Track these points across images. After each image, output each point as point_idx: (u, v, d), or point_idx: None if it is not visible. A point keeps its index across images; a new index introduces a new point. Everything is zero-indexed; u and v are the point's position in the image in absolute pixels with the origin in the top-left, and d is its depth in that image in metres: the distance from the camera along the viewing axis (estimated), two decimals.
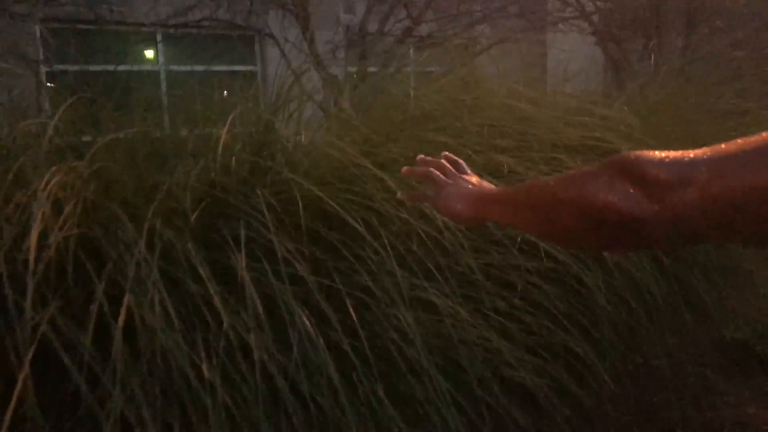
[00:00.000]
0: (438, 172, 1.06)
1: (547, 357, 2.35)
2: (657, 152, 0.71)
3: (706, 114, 3.58)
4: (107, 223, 1.55)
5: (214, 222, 1.73)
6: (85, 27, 7.20)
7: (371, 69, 5.37)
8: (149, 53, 8.28)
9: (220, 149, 1.74)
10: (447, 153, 1.10)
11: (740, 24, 10.18)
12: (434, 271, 1.84)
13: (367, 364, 1.70)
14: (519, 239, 2.30)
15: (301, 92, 2.44)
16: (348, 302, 1.65)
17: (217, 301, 1.41)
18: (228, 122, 1.84)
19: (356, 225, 1.70)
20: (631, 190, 0.70)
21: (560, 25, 8.05)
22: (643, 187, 0.69)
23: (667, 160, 0.72)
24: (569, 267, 2.40)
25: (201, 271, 1.45)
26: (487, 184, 1.05)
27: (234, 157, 1.82)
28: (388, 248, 1.76)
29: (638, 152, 0.71)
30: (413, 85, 3.62)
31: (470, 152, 2.10)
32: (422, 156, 1.11)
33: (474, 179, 1.07)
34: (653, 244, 0.71)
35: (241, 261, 1.55)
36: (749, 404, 3.27)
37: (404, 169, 1.10)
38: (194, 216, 1.62)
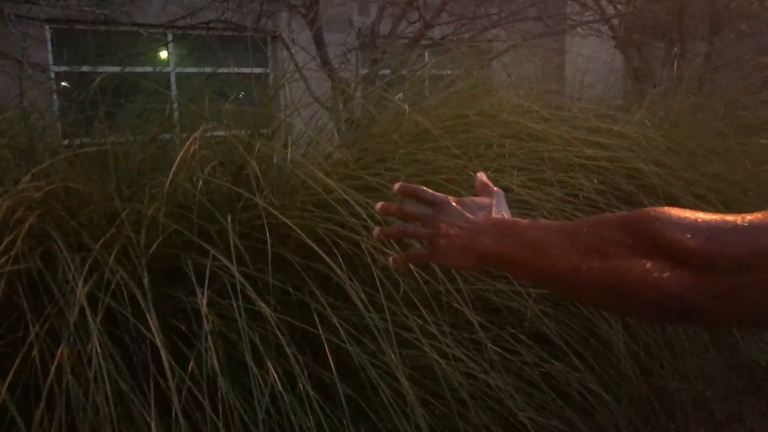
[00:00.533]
0: (413, 228, 0.87)
1: (545, 390, 2.14)
2: (693, 216, 0.58)
3: (735, 126, 3.34)
4: (52, 257, 1.38)
5: (177, 254, 1.55)
6: (93, 28, 7.14)
7: (383, 72, 5.20)
8: (162, 55, 8.19)
9: (171, 175, 1.55)
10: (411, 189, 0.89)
11: (767, 29, 9.87)
12: (419, 304, 1.65)
13: (348, 405, 1.52)
14: None
15: (292, 101, 2.25)
16: (325, 345, 1.47)
17: (163, 354, 1.23)
18: (189, 142, 1.65)
19: (329, 260, 1.51)
20: (679, 271, 0.58)
21: (579, 29, 7.82)
22: (694, 268, 0.57)
23: (712, 225, 0.57)
24: None
25: (149, 317, 1.27)
26: (485, 223, 0.83)
27: (201, 181, 1.64)
28: (377, 282, 1.57)
29: (670, 217, 0.59)
30: (427, 88, 3.43)
31: (471, 173, 1.90)
32: (382, 204, 0.89)
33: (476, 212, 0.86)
34: (701, 325, 0.59)
35: (203, 300, 1.37)
36: None
37: (375, 231, 0.91)
38: (154, 248, 1.44)
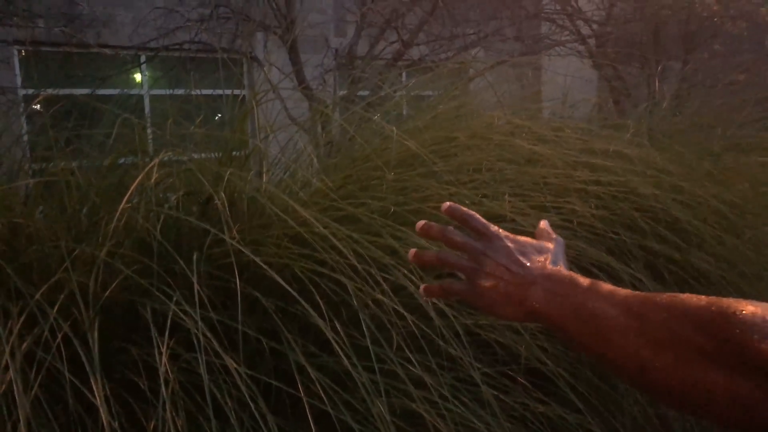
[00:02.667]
0: (455, 258, 0.74)
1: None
2: None
3: (729, 146, 3.24)
4: None
5: (134, 300, 1.36)
6: (64, 50, 6.99)
7: (362, 93, 5.09)
8: (136, 77, 8.03)
9: (117, 213, 1.36)
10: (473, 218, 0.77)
11: (740, 48, 10.03)
12: (405, 348, 1.47)
13: None
14: None
15: (267, 123, 2.09)
16: (306, 406, 1.28)
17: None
18: (146, 170, 1.47)
19: (305, 304, 1.34)
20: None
21: (557, 49, 7.82)
22: None
23: None
24: None
25: (94, 385, 1.08)
26: (537, 272, 0.70)
27: (163, 216, 1.46)
28: (364, 324, 1.40)
29: (758, 322, 0.48)
30: (407, 109, 3.30)
31: (467, 201, 1.75)
32: (424, 223, 0.77)
33: (540, 255, 0.73)
34: None
35: (163, 355, 1.18)
36: None
37: (410, 253, 0.79)
38: (108, 293, 1.26)
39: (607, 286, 0.63)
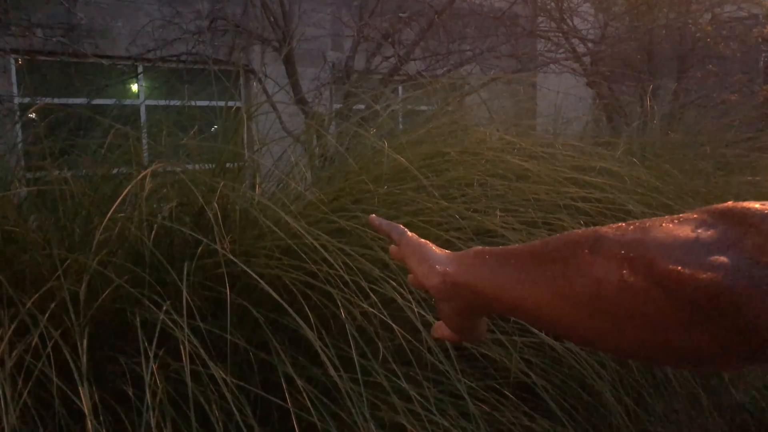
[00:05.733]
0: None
1: None
2: None
3: (717, 164, 3.28)
4: None
5: (125, 308, 1.37)
6: (62, 59, 7.00)
7: (358, 107, 5.13)
8: (133, 87, 8.04)
9: (105, 221, 1.37)
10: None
11: (733, 68, 10.16)
12: (391, 362, 1.49)
13: None
14: None
15: (261, 136, 2.11)
16: (293, 416, 1.29)
17: None
18: (138, 178, 1.48)
19: (295, 315, 1.35)
20: (745, 253, 0.41)
21: (552, 66, 7.89)
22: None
23: None
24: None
25: (82, 394, 1.09)
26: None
27: (156, 226, 1.48)
28: (350, 336, 1.41)
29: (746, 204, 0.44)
30: (402, 124, 3.33)
31: (457, 215, 1.77)
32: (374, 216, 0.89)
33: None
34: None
35: (151, 365, 1.18)
36: None
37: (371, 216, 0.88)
38: (99, 302, 1.27)
39: None
